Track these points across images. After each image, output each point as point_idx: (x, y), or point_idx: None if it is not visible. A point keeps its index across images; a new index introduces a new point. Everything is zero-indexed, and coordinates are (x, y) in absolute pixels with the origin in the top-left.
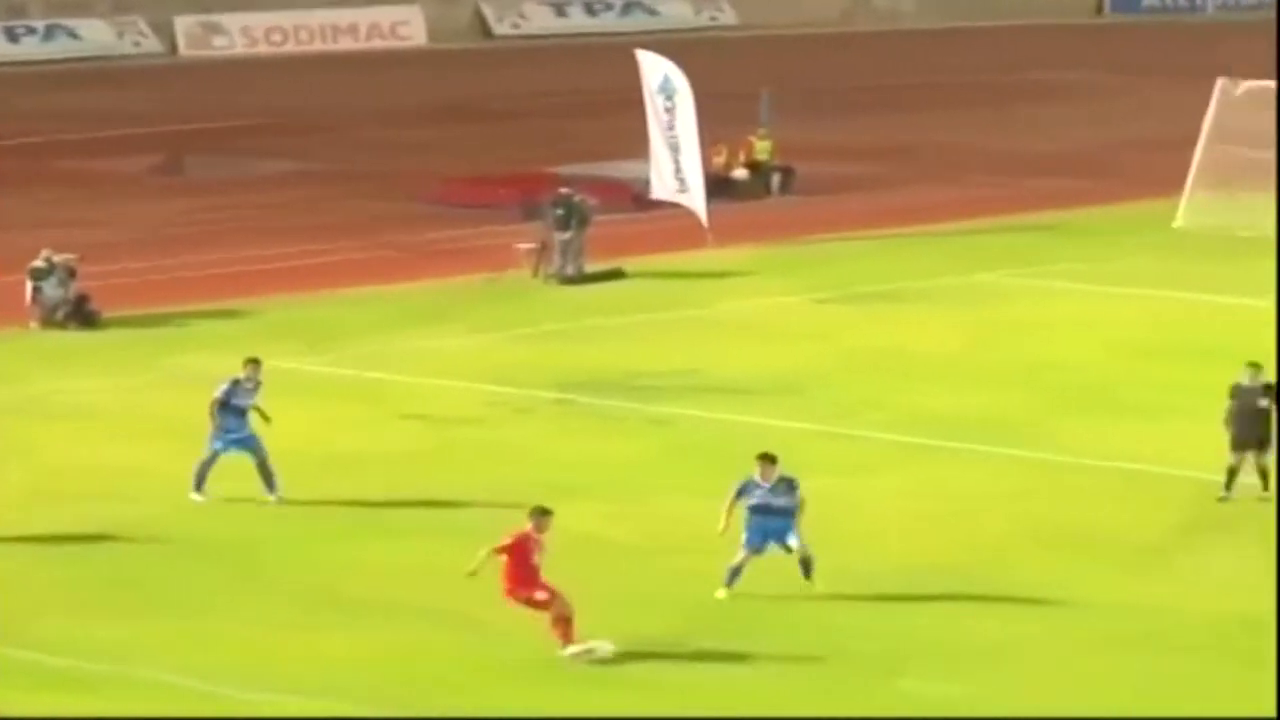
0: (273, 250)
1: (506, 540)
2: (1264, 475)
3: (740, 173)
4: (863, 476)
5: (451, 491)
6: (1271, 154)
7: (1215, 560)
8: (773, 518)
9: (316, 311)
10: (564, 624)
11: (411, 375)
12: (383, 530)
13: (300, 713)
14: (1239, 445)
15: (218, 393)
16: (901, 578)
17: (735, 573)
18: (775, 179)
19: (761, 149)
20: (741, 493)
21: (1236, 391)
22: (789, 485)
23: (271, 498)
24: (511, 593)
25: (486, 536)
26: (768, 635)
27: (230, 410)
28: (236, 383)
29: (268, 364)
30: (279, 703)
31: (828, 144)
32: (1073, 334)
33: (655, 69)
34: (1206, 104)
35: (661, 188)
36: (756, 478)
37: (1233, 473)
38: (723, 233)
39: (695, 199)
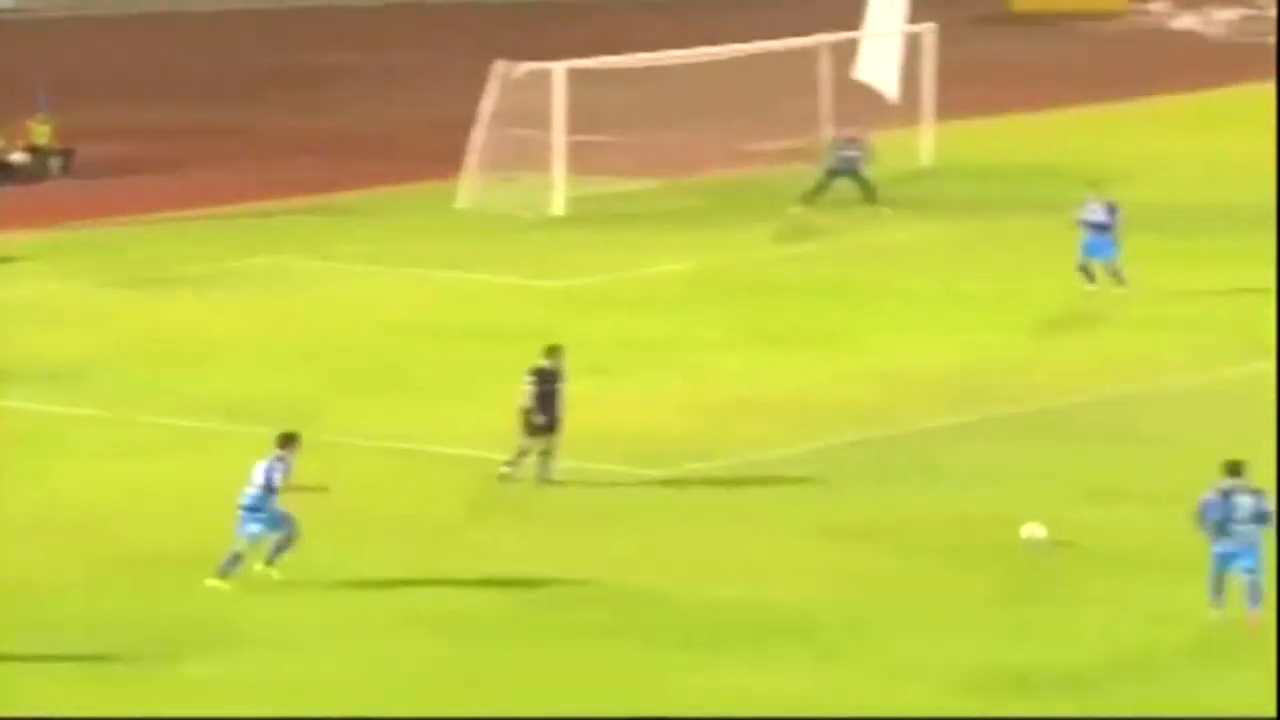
0: None
1: None
2: (547, 456)
3: (19, 157)
4: (142, 462)
5: None
6: (548, 135)
7: (504, 539)
8: None
9: None
10: None
11: None
12: None
13: None
14: (536, 429)
15: None
16: (177, 562)
17: None
18: (55, 162)
19: (40, 133)
20: None
21: (539, 375)
22: None
23: None
24: None
25: None
26: None
27: None
28: None
29: None
30: None
31: (117, 127)
32: (356, 316)
33: None
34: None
35: None
36: None
37: (524, 453)
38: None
39: None
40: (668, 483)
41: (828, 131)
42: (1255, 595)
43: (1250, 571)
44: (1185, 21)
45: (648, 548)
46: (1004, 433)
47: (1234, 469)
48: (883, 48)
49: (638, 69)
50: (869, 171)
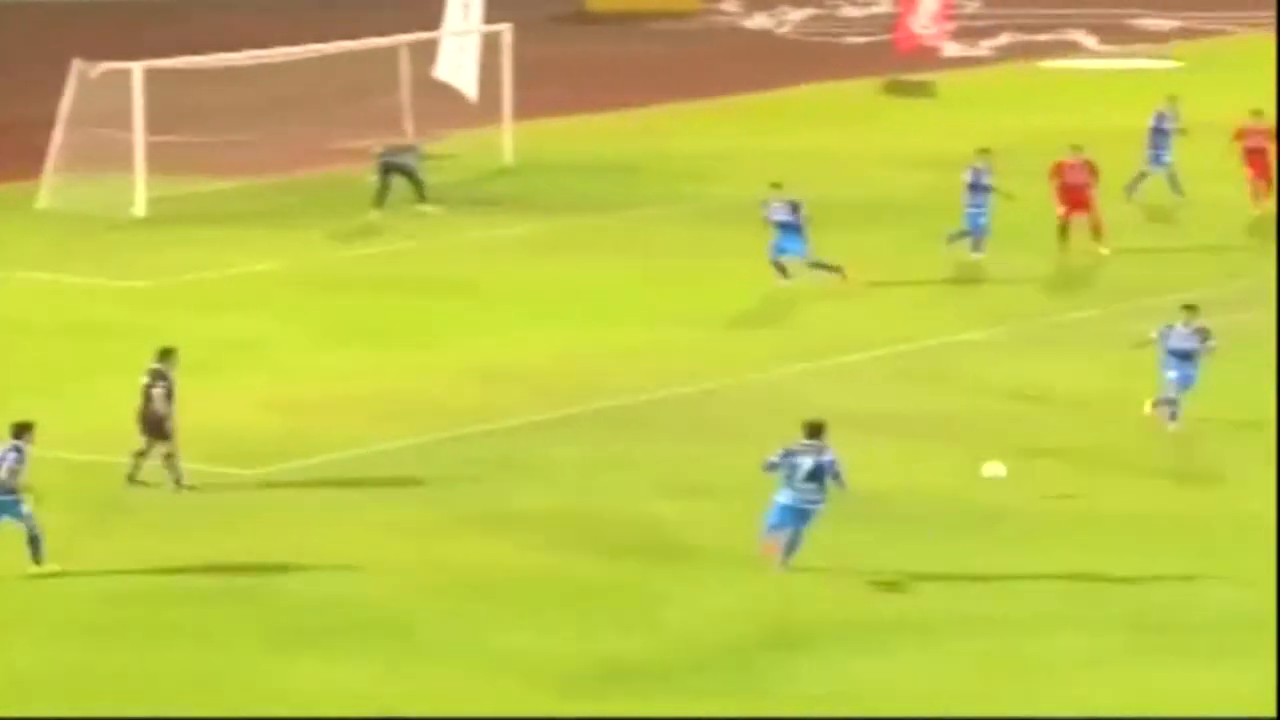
0: None
1: None
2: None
3: None
4: None
5: None
6: (130, 135)
7: (98, 542)
8: None
9: None
10: None
11: None
12: None
13: None
14: (151, 432)
15: None
16: None
17: None
18: None
19: None
20: None
21: (153, 376)
22: None
23: None
24: None
25: None
26: None
27: None
28: None
29: None
30: None
31: None
32: None
33: None
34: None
35: None
36: None
37: (143, 454)
38: None
39: None
40: (262, 482)
41: (378, 144)
42: (790, 550)
43: (795, 531)
44: (758, 21)
45: (247, 546)
46: (589, 428)
47: (813, 430)
48: (461, 48)
49: (220, 69)
50: (420, 171)
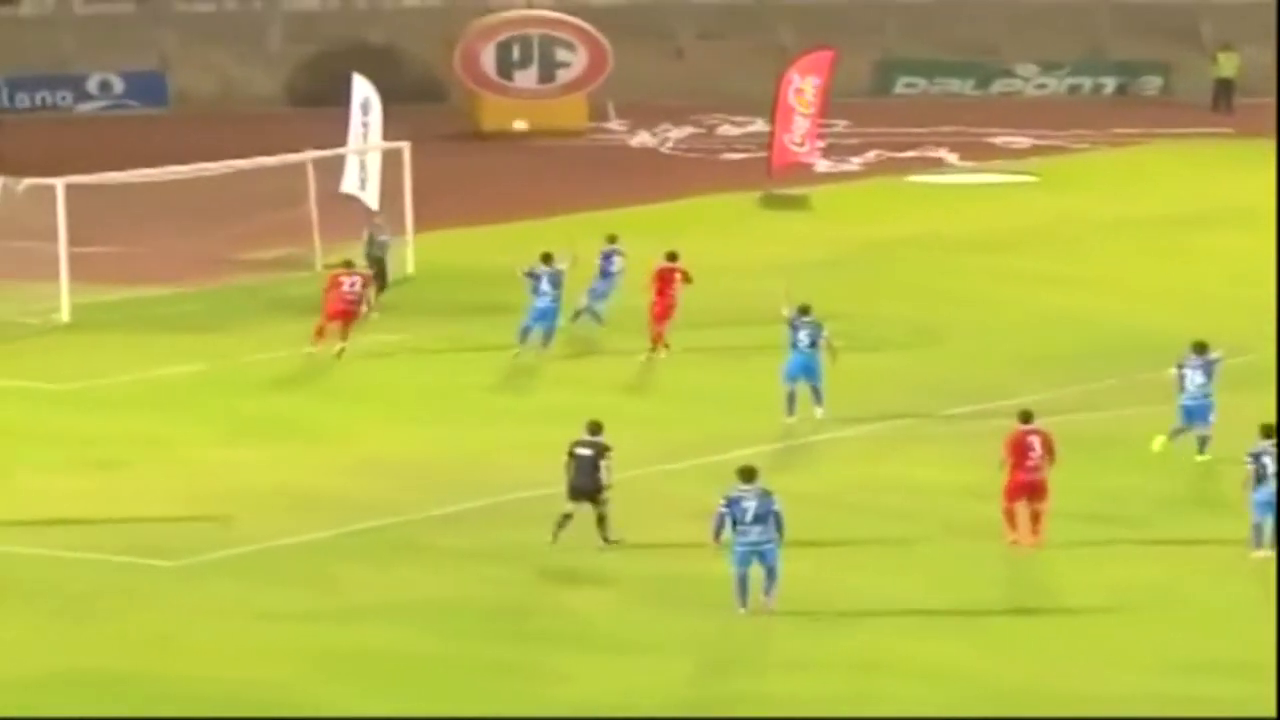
0: None
1: None
2: None
3: None
4: None
5: None
6: (54, 246)
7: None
8: None
9: None
10: None
11: None
12: None
13: None
14: None
15: None
16: None
17: None
18: None
19: None
20: None
21: None
22: None
23: None
24: None
25: None
26: None
27: None
28: None
29: None
30: None
31: None
32: None
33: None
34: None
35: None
36: None
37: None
38: None
39: None
40: (175, 571)
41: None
42: (768, 588)
43: (764, 569)
44: (641, 139)
45: (159, 634)
46: (482, 520)
47: (747, 474)
48: (363, 164)
49: (137, 183)
50: (389, 262)
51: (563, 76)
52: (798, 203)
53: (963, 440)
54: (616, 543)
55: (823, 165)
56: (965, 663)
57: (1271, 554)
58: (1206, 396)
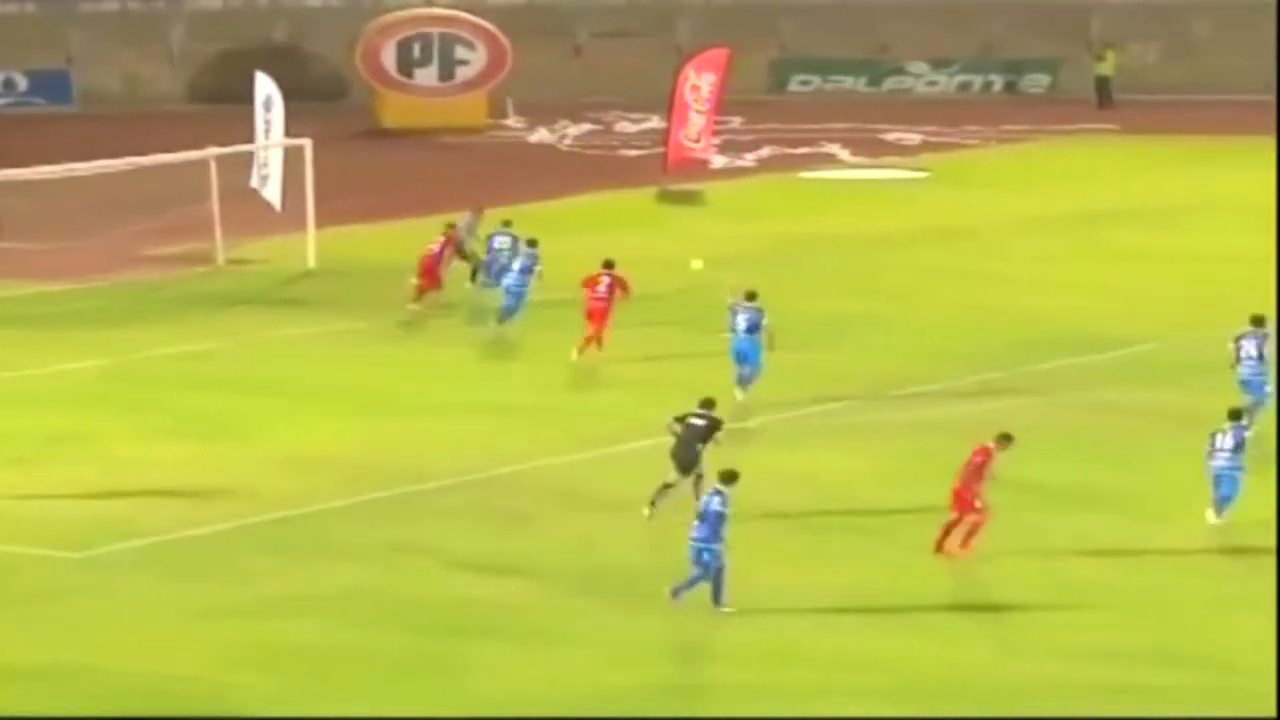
0: None
1: None
2: None
3: None
4: None
5: None
6: None
7: None
8: None
9: None
10: None
11: None
12: None
13: None
14: None
15: None
16: None
17: None
18: None
19: None
20: None
21: None
22: None
23: None
24: None
25: None
26: None
27: None
28: None
29: None
30: None
31: None
32: None
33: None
34: None
35: None
36: None
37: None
38: None
39: None
40: (82, 563)
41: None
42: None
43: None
44: (540, 135)
45: (69, 626)
46: (392, 512)
47: (728, 476)
48: (267, 160)
49: (41, 180)
50: (470, 247)
51: (462, 74)
52: (693, 199)
53: (864, 432)
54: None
55: (718, 162)
56: (875, 651)
57: (1221, 522)
58: (1261, 370)
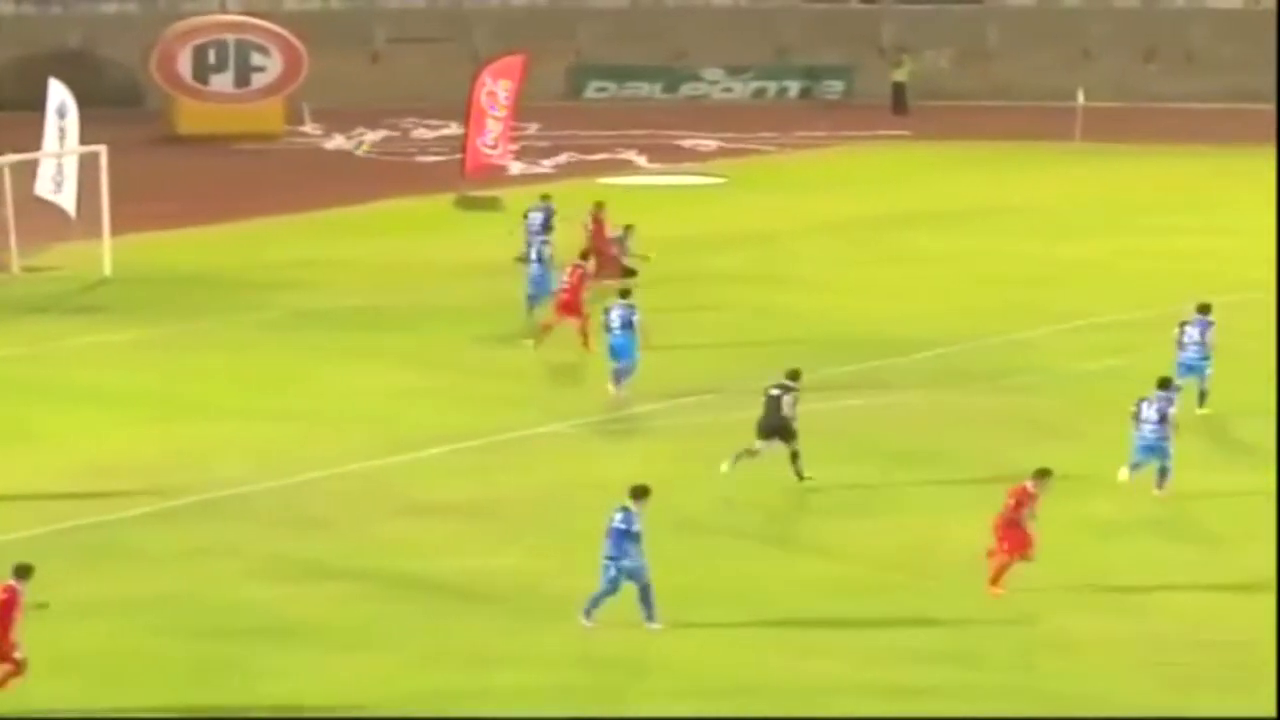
0: None
1: None
2: None
3: None
4: None
5: None
6: None
7: None
8: None
9: None
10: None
11: None
12: None
13: None
14: None
15: None
16: None
17: None
18: None
19: None
20: None
21: None
22: None
23: None
24: None
25: None
26: None
27: None
28: None
29: None
30: None
31: None
32: None
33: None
34: None
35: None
36: None
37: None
38: None
39: None
40: None
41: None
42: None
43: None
44: (337, 142)
45: None
46: (192, 518)
47: (637, 492)
48: (60, 167)
49: None
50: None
51: (258, 80)
52: (491, 204)
53: (660, 435)
54: (810, 479)
55: (515, 167)
56: (680, 656)
57: (1162, 494)
58: (1204, 355)
